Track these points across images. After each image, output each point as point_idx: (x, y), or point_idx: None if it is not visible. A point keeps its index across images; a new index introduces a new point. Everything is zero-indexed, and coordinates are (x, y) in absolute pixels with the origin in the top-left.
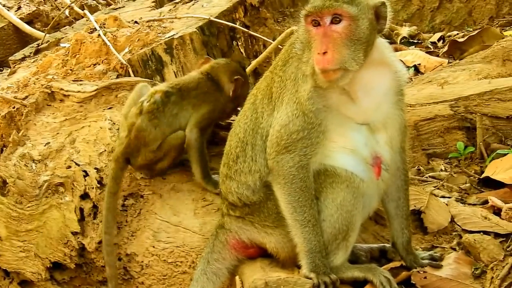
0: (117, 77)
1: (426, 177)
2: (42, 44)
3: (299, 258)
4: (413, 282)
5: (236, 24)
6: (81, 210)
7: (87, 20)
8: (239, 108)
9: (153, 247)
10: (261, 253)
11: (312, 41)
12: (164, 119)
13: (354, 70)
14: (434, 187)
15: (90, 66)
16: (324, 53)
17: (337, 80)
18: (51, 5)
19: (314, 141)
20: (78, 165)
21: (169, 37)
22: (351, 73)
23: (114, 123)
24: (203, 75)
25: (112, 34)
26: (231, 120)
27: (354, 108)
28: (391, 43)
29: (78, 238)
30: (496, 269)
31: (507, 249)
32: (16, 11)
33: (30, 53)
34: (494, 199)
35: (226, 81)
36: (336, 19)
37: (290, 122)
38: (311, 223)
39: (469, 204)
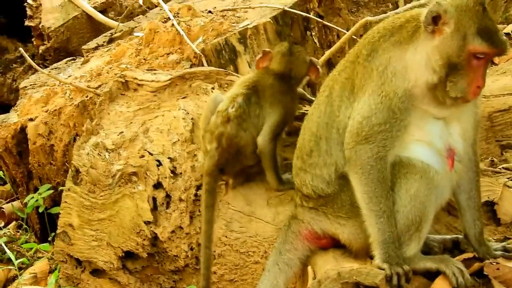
0: (191, 66)
1: (500, 169)
2: (115, 33)
3: (372, 249)
4: (486, 273)
5: (310, 14)
6: (154, 199)
7: (160, 9)
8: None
9: (226, 237)
10: (334, 244)
11: (470, 71)
12: (250, 121)
13: None
14: (508, 178)
15: (163, 55)
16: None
17: None
18: None
19: (395, 134)
20: (151, 154)
21: (243, 26)
22: None
23: (188, 113)
24: (273, 73)
25: (185, 24)
26: (304, 110)
27: (439, 107)
28: None
29: (151, 227)
30: None
31: None
32: (89, 0)
33: (104, 42)
34: None
35: (303, 71)
36: None
37: (373, 115)
38: (386, 214)
39: None
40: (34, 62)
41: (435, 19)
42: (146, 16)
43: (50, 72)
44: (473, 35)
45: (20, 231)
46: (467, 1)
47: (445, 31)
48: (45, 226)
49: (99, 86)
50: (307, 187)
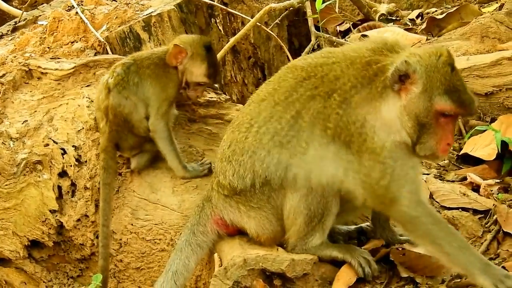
0: (95, 54)
1: None
2: (19, 22)
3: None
4: (392, 259)
5: (214, 1)
6: (59, 188)
7: None
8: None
9: (132, 224)
10: (240, 232)
11: (438, 129)
12: (129, 88)
13: None
14: None
15: (68, 44)
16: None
17: None
18: None
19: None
20: (56, 143)
21: (147, 14)
22: None
23: (92, 101)
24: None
25: (90, 12)
26: (209, 97)
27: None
28: (369, 20)
29: (56, 216)
30: (475, 246)
31: (486, 226)
32: None
33: (8, 31)
34: (472, 175)
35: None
36: None
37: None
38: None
39: (448, 180)
40: None
41: (402, 78)
42: (50, 5)
43: None
44: (441, 95)
45: None
46: (437, 62)
47: (413, 91)
48: None
49: (3, 75)
50: (225, 178)
